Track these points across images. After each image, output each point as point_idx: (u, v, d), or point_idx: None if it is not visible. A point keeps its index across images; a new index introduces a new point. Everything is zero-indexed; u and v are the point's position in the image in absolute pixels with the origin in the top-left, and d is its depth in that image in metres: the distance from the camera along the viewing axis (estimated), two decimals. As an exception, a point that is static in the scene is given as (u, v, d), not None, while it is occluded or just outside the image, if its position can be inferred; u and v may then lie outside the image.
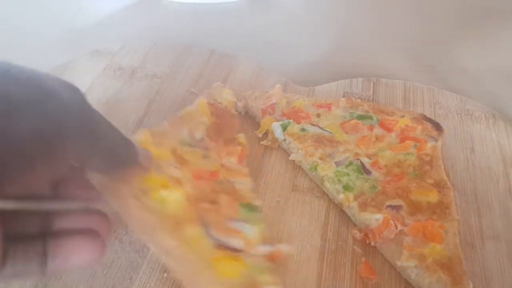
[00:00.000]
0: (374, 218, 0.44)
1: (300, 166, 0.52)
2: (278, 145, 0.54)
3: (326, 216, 0.47)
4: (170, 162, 0.45)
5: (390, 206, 0.45)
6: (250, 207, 0.46)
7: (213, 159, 0.49)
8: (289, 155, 0.52)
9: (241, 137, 0.53)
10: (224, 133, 0.53)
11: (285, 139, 0.52)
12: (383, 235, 0.43)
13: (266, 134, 0.55)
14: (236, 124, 0.55)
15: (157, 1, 0.84)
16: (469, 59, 0.70)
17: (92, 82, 0.62)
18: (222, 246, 0.41)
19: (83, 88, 0.61)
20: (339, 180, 0.47)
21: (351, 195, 0.46)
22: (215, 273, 0.39)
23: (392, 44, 0.74)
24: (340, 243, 0.45)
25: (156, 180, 0.41)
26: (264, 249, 0.43)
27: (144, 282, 0.42)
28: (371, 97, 0.60)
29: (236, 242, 0.42)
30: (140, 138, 0.46)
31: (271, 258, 0.43)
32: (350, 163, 0.49)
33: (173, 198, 0.40)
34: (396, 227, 0.43)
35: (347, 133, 0.52)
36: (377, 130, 0.53)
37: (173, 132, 0.50)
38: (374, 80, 0.63)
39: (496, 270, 0.43)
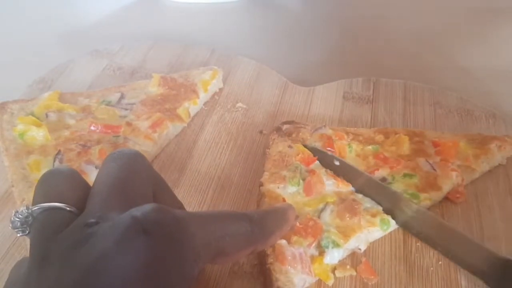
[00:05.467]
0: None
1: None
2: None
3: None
4: (72, 114, 0.53)
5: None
6: None
7: (129, 119, 0.53)
8: None
9: (181, 110, 0.55)
10: (167, 103, 0.56)
11: None
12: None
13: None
14: (187, 97, 0.57)
15: (157, 1, 0.84)
16: (469, 59, 0.70)
17: (92, 82, 0.62)
18: None
19: (83, 88, 0.62)
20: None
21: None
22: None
23: (392, 44, 0.74)
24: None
25: (28, 120, 0.51)
26: None
27: (144, 282, 0.42)
28: (371, 97, 0.60)
29: None
30: (45, 96, 0.54)
31: None
32: None
33: (35, 132, 0.50)
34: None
35: None
36: None
37: (93, 94, 0.57)
38: (374, 80, 0.63)
39: (496, 270, 0.43)
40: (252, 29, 0.78)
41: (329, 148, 0.50)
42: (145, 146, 0.51)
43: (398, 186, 0.47)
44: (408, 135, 0.52)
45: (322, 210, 0.44)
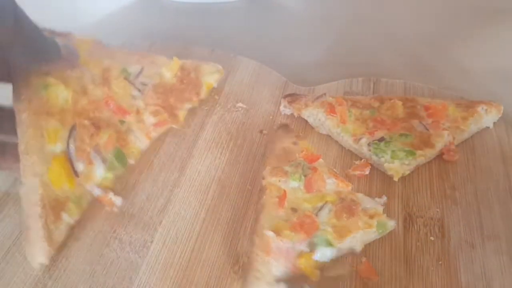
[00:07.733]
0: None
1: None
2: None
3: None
4: (94, 77, 0.50)
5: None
6: (119, 155, 0.49)
7: (138, 105, 0.53)
8: None
9: (181, 112, 0.56)
10: (172, 97, 0.56)
11: None
12: None
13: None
14: (191, 98, 0.57)
15: (157, 1, 0.84)
16: (469, 59, 0.70)
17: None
18: (70, 160, 0.45)
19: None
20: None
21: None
22: (48, 173, 0.43)
23: (392, 44, 0.74)
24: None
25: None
26: (96, 191, 0.47)
27: (144, 282, 0.42)
28: (371, 97, 0.60)
29: (80, 167, 0.46)
30: (78, 38, 0.52)
31: (99, 199, 0.47)
32: None
33: (59, 91, 0.46)
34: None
35: None
36: None
37: (118, 55, 0.55)
38: (374, 80, 0.63)
39: (496, 269, 0.43)
40: (252, 29, 0.78)
41: (331, 114, 0.54)
42: (142, 143, 0.53)
43: (395, 145, 0.51)
44: (401, 101, 0.56)
45: (321, 208, 0.44)
